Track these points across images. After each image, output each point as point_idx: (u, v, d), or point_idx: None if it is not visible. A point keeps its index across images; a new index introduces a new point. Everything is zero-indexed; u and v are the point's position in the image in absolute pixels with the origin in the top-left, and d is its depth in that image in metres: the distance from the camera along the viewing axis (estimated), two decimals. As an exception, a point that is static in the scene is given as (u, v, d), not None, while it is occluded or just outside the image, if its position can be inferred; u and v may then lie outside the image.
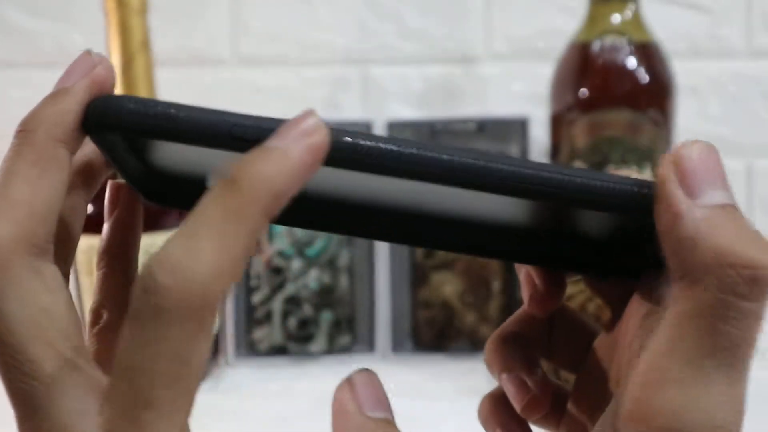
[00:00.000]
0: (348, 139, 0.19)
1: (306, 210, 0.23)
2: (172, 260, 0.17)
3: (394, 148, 0.19)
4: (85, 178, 0.23)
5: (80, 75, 0.20)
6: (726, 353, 0.18)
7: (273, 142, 0.18)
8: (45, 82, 0.71)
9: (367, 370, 0.20)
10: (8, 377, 0.18)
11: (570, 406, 0.26)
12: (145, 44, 0.57)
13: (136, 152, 0.22)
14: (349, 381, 0.20)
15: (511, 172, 0.19)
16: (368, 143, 0.19)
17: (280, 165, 0.18)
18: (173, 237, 0.17)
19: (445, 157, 0.19)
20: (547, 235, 0.25)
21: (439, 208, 0.23)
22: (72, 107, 0.20)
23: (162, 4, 0.67)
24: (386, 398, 0.20)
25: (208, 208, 0.17)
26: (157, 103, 0.19)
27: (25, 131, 0.20)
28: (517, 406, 0.26)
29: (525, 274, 0.26)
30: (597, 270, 0.25)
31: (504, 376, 0.26)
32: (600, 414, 0.22)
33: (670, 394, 0.18)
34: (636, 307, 0.22)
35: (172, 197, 0.24)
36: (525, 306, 0.26)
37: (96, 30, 0.63)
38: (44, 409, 0.18)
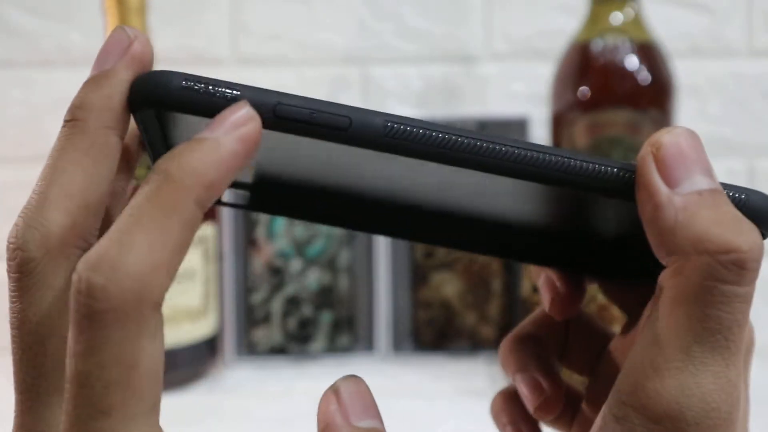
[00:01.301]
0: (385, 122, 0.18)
1: (323, 204, 0.23)
2: (104, 258, 0.16)
3: (437, 133, 0.19)
4: (126, 161, 0.22)
5: (118, 54, 0.20)
6: (717, 337, 0.18)
7: (205, 133, 0.18)
8: (45, 82, 0.71)
9: (352, 376, 0.20)
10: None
11: (584, 407, 0.26)
12: (145, 44, 0.57)
13: (169, 130, 0.21)
14: (334, 391, 0.20)
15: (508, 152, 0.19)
16: (421, 130, 0.19)
17: (211, 156, 0.17)
18: (105, 234, 0.17)
19: (477, 142, 0.19)
20: (562, 237, 0.25)
21: (457, 205, 0.23)
22: (117, 89, 0.19)
23: (162, 3, 0.67)
24: (374, 404, 0.20)
25: (139, 201, 0.17)
26: (202, 79, 0.19)
27: (75, 120, 0.19)
28: (530, 407, 0.26)
29: (545, 278, 0.26)
30: (612, 272, 0.25)
31: (518, 376, 0.26)
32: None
33: (665, 382, 0.18)
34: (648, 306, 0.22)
35: None
36: (544, 308, 0.26)
37: (96, 30, 0.63)
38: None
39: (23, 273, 0.18)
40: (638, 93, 0.59)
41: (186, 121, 0.19)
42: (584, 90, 0.59)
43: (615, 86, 0.59)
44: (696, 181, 0.19)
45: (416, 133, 0.19)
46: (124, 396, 0.16)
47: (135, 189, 0.20)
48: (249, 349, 0.67)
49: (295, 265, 0.66)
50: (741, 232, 0.18)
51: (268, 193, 0.23)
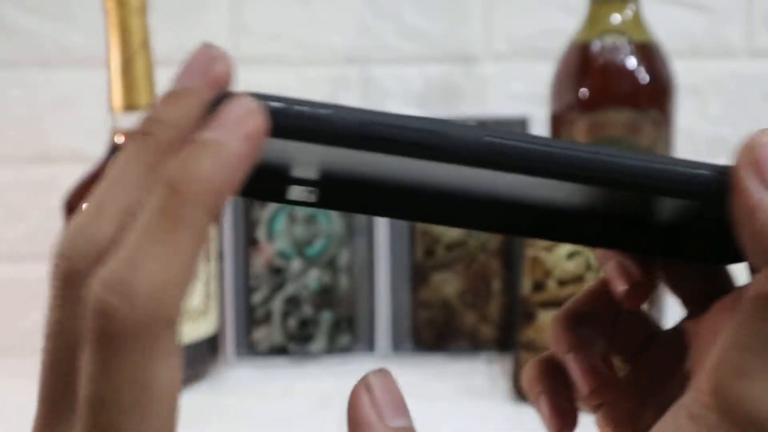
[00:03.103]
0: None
1: (354, 195, 0.22)
2: (114, 277, 0.16)
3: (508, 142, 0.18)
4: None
5: (201, 73, 0.19)
6: None
7: (206, 134, 0.17)
8: (45, 82, 0.71)
9: (382, 371, 0.20)
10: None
11: (617, 396, 0.25)
12: (145, 44, 0.57)
13: None
14: (366, 386, 0.19)
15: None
16: (518, 143, 0.18)
17: (216, 160, 0.17)
18: (117, 251, 0.16)
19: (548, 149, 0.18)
20: (630, 220, 0.24)
21: (527, 197, 0.22)
22: (195, 109, 0.18)
23: (162, 3, 0.67)
24: (404, 402, 0.19)
25: (146, 216, 0.16)
26: (297, 102, 0.18)
27: (146, 134, 0.18)
28: (583, 390, 0.24)
29: (618, 265, 0.24)
30: (678, 255, 0.24)
31: (573, 356, 0.25)
32: (654, 404, 0.22)
33: (754, 388, 0.18)
34: (722, 301, 0.22)
35: (261, 189, 0.22)
36: (596, 287, 0.25)
37: (96, 30, 0.63)
38: None
39: (66, 284, 0.17)
40: (638, 93, 0.59)
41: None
42: (584, 90, 0.59)
43: (615, 86, 0.59)
44: None
45: (516, 148, 0.18)
46: (138, 419, 0.16)
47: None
48: (249, 349, 0.67)
49: (296, 265, 0.66)
50: None
51: (336, 189, 0.22)
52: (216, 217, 0.17)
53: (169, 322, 0.16)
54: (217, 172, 0.17)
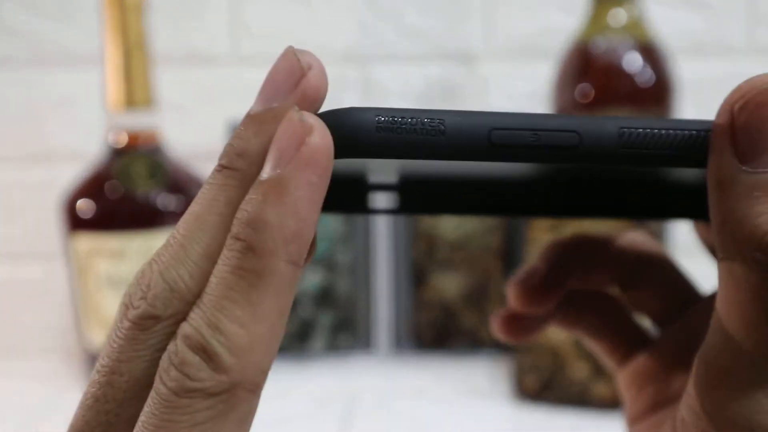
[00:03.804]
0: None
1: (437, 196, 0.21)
2: (197, 335, 0.15)
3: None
4: None
5: (289, 89, 0.16)
6: None
7: (268, 173, 0.15)
8: (45, 82, 0.71)
9: None
10: None
11: (646, 357, 0.24)
12: (143, 42, 0.57)
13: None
14: None
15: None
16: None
17: (283, 202, 0.15)
18: (198, 308, 0.15)
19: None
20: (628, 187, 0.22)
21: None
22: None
23: (162, 3, 0.67)
24: None
25: (223, 274, 0.15)
26: (396, 112, 0.16)
27: (232, 169, 0.16)
28: (513, 297, 0.24)
29: (516, 289, 0.24)
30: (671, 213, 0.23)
31: (537, 264, 0.24)
32: (681, 373, 0.21)
33: (737, 395, 0.16)
34: None
35: (342, 203, 0.21)
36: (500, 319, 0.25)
37: (96, 29, 0.62)
38: None
39: (139, 326, 0.16)
40: (639, 92, 0.59)
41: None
42: (585, 89, 0.59)
43: (616, 86, 0.59)
44: None
45: (656, 135, 0.16)
46: None
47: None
48: (249, 349, 0.66)
49: (295, 264, 0.66)
50: None
51: (417, 193, 0.21)
52: (300, 262, 0.16)
53: (253, 385, 0.15)
54: (289, 216, 0.15)
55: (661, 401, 0.23)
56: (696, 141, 0.16)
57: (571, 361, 0.54)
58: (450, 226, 0.66)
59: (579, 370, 0.54)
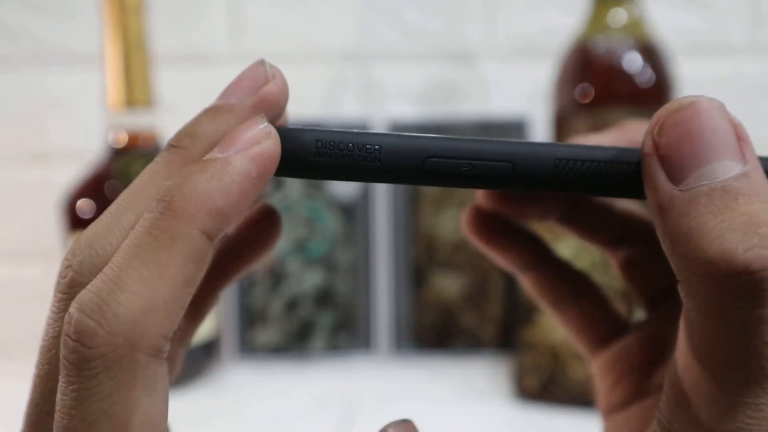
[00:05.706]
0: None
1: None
2: (95, 299, 0.14)
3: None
4: (225, 266, 0.20)
5: (248, 91, 0.18)
6: (751, 366, 0.15)
7: (214, 153, 0.16)
8: (45, 82, 0.71)
9: (406, 422, 0.18)
10: None
11: (627, 344, 0.23)
12: (143, 42, 0.57)
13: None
14: None
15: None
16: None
17: (219, 179, 0.15)
18: (102, 271, 0.15)
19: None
20: None
21: None
22: (234, 126, 0.17)
23: (162, 3, 0.67)
24: None
25: (137, 233, 0.15)
26: (344, 135, 0.16)
27: (179, 147, 0.17)
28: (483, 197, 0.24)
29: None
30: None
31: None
32: (663, 364, 0.21)
33: (701, 411, 0.15)
34: None
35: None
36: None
37: (96, 29, 0.62)
38: None
39: (69, 295, 0.16)
40: (639, 92, 0.59)
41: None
42: (585, 89, 0.59)
43: (616, 85, 0.59)
44: (706, 172, 0.15)
45: (590, 167, 0.16)
46: None
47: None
48: (248, 349, 0.66)
49: (295, 265, 0.66)
50: (754, 245, 0.14)
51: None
52: (214, 238, 0.15)
53: (153, 349, 0.15)
54: (218, 191, 0.15)
55: (641, 392, 0.22)
56: (628, 171, 0.16)
57: (571, 361, 0.54)
58: (450, 226, 0.66)
59: (579, 370, 0.54)
